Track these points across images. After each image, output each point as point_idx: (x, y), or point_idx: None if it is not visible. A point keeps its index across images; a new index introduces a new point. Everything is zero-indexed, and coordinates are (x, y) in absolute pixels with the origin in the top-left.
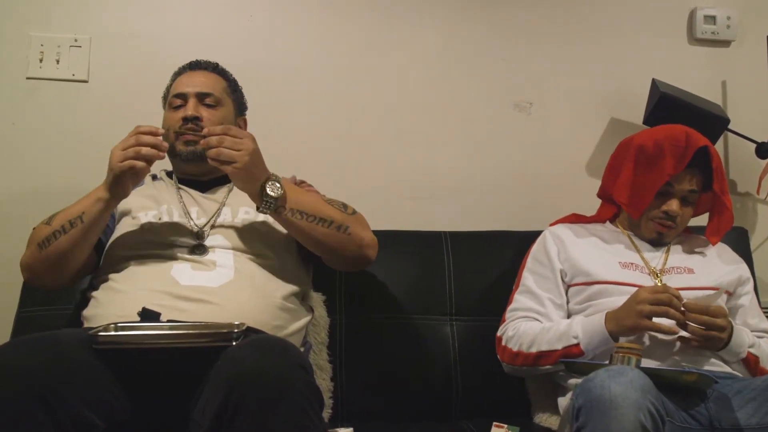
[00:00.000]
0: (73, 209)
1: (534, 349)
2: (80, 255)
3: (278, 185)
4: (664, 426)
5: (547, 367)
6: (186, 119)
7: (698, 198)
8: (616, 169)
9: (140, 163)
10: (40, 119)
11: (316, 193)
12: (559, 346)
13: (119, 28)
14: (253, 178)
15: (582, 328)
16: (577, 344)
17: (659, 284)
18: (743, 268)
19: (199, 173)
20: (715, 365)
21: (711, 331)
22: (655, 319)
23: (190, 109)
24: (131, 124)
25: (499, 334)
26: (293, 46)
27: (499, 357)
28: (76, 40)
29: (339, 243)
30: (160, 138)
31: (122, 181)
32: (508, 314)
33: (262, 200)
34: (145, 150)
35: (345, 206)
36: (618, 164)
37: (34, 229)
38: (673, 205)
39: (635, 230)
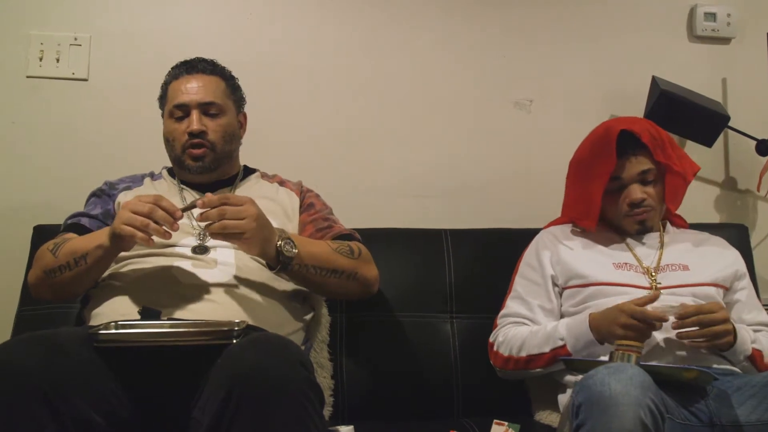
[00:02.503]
0: (79, 246)
1: (524, 353)
2: (86, 286)
3: (291, 243)
4: (664, 423)
5: (538, 369)
6: (192, 134)
7: (658, 172)
8: (566, 191)
9: (141, 235)
10: (40, 118)
11: (323, 228)
12: (547, 349)
13: (119, 26)
14: (265, 242)
15: (567, 329)
16: (563, 346)
17: (651, 292)
18: (739, 263)
19: (207, 182)
20: (715, 362)
21: (713, 327)
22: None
23: (195, 123)
24: (131, 123)
25: (491, 339)
26: (293, 44)
27: (492, 362)
28: (75, 39)
29: (347, 289)
30: (176, 222)
31: (122, 239)
32: (499, 320)
33: (278, 261)
34: (153, 227)
35: (351, 250)
36: (566, 186)
37: (40, 248)
38: (634, 193)
39: (623, 230)
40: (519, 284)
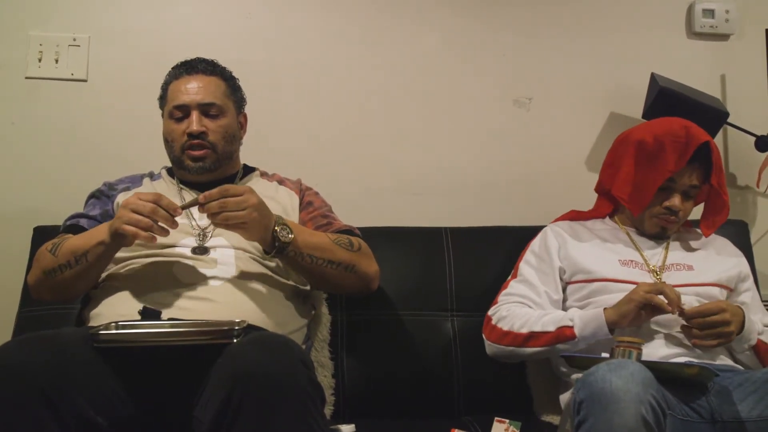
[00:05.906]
0: (79, 244)
1: (525, 330)
2: (86, 285)
3: (288, 229)
4: (666, 419)
5: (535, 349)
6: (192, 135)
7: (700, 193)
8: (615, 164)
9: (145, 234)
10: (39, 119)
11: (322, 225)
12: (553, 328)
13: (118, 26)
14: (264, 229)
15: (579, 315)
16: (571, 326)
17: (659, 282)
18: (743, 264)
19: (206, 182)
20: (717, 359)
21: (717, 328)
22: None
23: (195, 124)
24: (130, 123)
25: (490, 313)
26: (294, 43)
27: (484, 336)
28: (74, 40)
29: (345, 281)
30: (175, 219)
31: (124, 237)
32: (501, 297)
33: (273, 246)
34: (156, 228)
35: (351, 243)
36: (617, 159)
37: (39, 249)
38: (676, 200)
39: (635, 226)
40: (526, 270)
